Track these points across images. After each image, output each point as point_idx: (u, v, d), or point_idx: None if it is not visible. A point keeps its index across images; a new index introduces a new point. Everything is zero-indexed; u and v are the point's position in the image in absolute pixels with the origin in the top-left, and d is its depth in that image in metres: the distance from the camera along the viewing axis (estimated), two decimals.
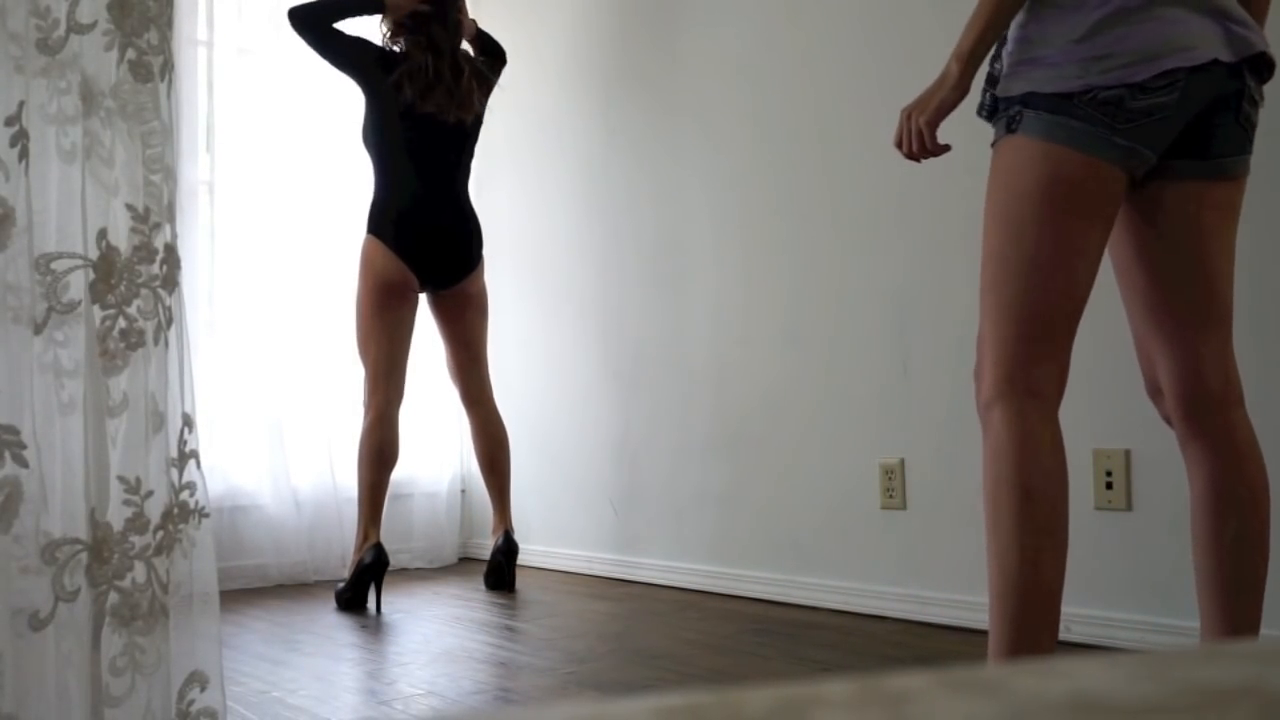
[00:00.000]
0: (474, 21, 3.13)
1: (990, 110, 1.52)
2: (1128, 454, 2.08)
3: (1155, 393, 1.55)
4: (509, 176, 3.44)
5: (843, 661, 2.06)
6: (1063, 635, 2.13)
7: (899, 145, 1.56)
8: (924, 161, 1.61)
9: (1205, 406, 1.48)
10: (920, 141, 1.53)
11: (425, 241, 2.89)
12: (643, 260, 3.14)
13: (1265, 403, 1.91)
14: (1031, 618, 1.34)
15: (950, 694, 0.26)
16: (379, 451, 2.83)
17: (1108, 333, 2.11)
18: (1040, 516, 1.35)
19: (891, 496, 2.46)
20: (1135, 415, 2.04)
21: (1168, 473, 2.03)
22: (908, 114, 1.54)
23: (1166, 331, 1.50)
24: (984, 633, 2.24)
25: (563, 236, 3.40)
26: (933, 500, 2.39)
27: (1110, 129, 1.39)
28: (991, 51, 1.51)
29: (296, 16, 2.87)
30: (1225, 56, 1.40)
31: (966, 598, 2.30)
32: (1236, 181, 1.49)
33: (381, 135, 2.92)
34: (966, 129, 2.33)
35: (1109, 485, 2.09)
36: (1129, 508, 2.07)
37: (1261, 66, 1.46)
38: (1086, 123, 1.39)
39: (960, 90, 1.51)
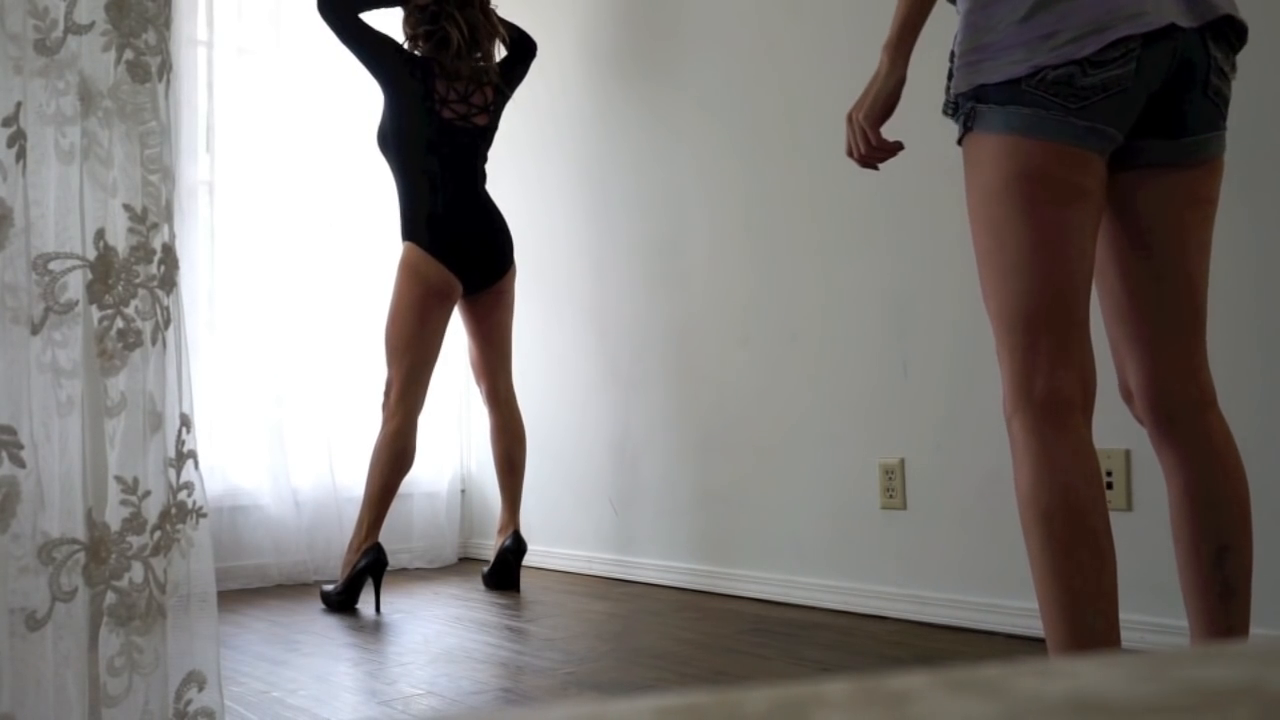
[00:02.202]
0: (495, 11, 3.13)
1: (954, 108, 1.46)
2: (1128, 454, 2.08)
3: (1128, 395, 1.49)
4: (509, 176, 3.44)
5: (843, 661, 2.06)
6: None
7: (849, 152, 1.50)
8: (881, 167, 1.55)
9: (1176, 411, 1.41)
10: (866, 141, 1.47)
11: (462, 244, 2.90)
12: (643, 260, 3.14)
13: (1268, 403, 1.91)
14: (1076, 633, 1.27)
15: (950, 694, 0.26)
16: (399, 457, 2.83)
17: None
18: (1064, 534, 1.27)
19: (891, 496, 2.46)
20: None
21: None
22: (850, 115, 1.48)
23: (1137, 336, 1.43)
24: (984, 633, 2.25)
25: (562, 236, 3.40)
26: (933, 500, 2.39)
27: (1064, 109, 1.30)
28: (953, 45, 1.46)
29: (325, 4, 2.87)
30: (1184, 21, 1.30)
31: (966, 598, 2.30)
32: (1213, 165, 1.40)
33: (402, 137, 2.92)
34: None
35: (1109, 485, 2.09)
36: (1129, 508, 2.07)
37: (1229, 32, 1.36)
38: (1038, 107, 1.30)
39: (894, 79, 1.46)
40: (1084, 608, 1.28)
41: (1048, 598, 1.29)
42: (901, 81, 1.47)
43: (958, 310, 2.35)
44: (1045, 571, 1.29)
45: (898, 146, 1.50)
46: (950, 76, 1.46)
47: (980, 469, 2.29)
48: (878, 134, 1.47)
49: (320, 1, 2.88)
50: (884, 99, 1.47)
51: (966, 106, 1.38)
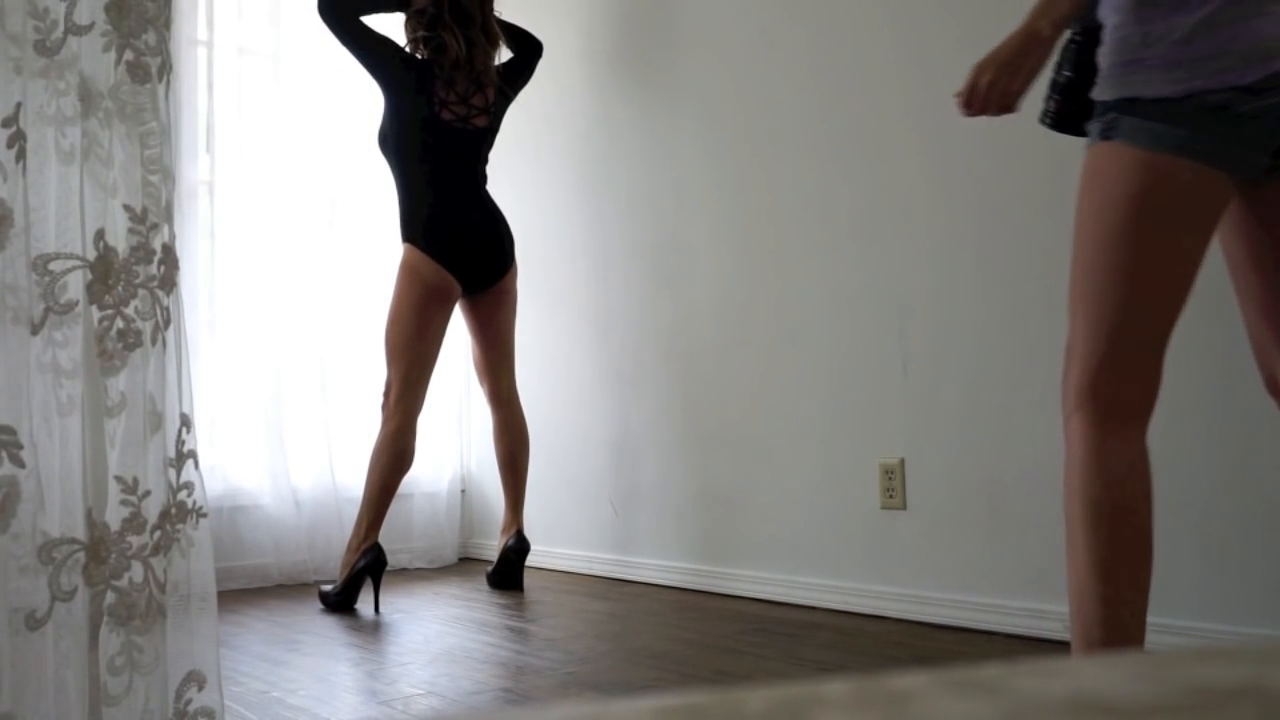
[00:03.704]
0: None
1: (1055, 118, 1.46)
2: None
3: (1274, 390, 1.49)
4: (509, 177, 3.44)
5: (843, 661, 2.06)
6: (1062, 635, 2.13)
7: (968, 104, 1.47)
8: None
9: None
10: (1004, 103, 1.44)
11: (461, 245, 2.90)
12: (642, 260, 3.14)
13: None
14: (1108, 635, 1.28)
15: (950, 694, 0.26)
16: (398, 458, 2.84)
17: None
18: (1110, 532, 1.29)
19: (891, 496, 2.46)
20: None
21: (1167, 473, 2.03)
22: (991, 74, 1.44)
23: None
24: (984, 633, 2.25)
25: (562, 236, 3.40)
26: (933, 500, 2.39)
27: (1215, 135, 1.31)
28: (1056, 58, 1.45)
29: (325, 6, 2.88)
30: None
31: (966, 598, 2.30)
32: None
33: (402, 139, 2.92)
34: (974, 125, 2.34)
35: None
36: None
37: None
38: (1191, 129, 1.31)
39: (1048, 56, 1.44)
40: (1120, 599, 1.30)
41: (1084, 588, 1.30)
42: (1047, 58, 1.46)
43: (958, 310, 2.35)
44: (1086, 561, 1.30)
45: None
46: (1055, 89, 1.46)
47: (980, 469, 2.29)
48: (1016, 99, 1.45)
49: (321, 5, 2.88)
50: (1038, 73, 1.44)
51: (1109, 116, 1.38)
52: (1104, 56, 1.41)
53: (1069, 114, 1.51)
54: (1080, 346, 1.39)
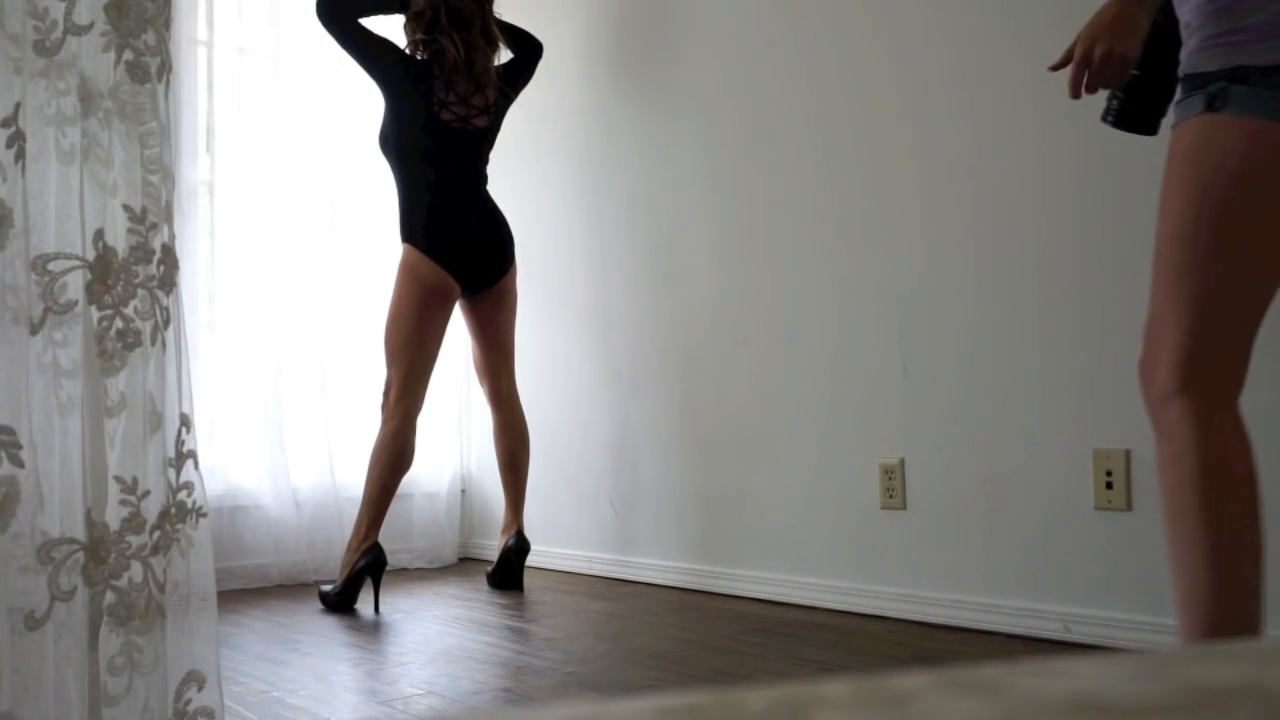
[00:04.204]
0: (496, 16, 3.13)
1: (1118, 115, 1.45)
2: (1128, 454, 2.08)
3: None
4: (508, 177, 3.44)
5: (843, 661, 2.06)
6: (1062, 635, 2.13)
7: (1077, 79, 1.41)
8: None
9: None
10: (1120, 72, 1.39)
11: (460, 246, 2.90)
12: (641, 260, 3.14)
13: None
14: (1227, 620, 1.24)
15: (950, 694, 0.26)
16: (398, 457, 2.84)
17: (1109, 332, 2.11)
18: (1230, 517, 1.26)
19: (891, 496, 2.46)
20: (1135, 415, 2.03)
21: None
22: (1106, 43, 1.38)
23: None
24: (984, 633, 2.25)
25: (563, 236, 3.40)
26: (933, 500, 2.39)
27: None
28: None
29: (324, 8, 2.88)
30: None
31: (966, 598, 2.30)
32: None
33: (401, 140, 2.93)
34: (971, 126, 2.34)
35: (1109, 485, 2.09)
36: (1129, 508, 2.07)
37: None
38: None
39: (1152, 17, 1.40)
40: (1247, 582, 1.26)
41: (1202, 579, 1.26)
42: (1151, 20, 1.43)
43: (958, 310, 2.35)
44: (1208, 549, 1.26)
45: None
46: (1124, 89, 1.43)
47: (980, 469, 2.29)
48: (1130, 66, 1.41)
49: (320, 7, 2.88)
50: (1145, 34, 1.40)
51: (1213, 86, 1.33)
52: (1196, 31, 1.36)
53: (1133, 111, 1.49)
54: (1173, 324, 1.33)
